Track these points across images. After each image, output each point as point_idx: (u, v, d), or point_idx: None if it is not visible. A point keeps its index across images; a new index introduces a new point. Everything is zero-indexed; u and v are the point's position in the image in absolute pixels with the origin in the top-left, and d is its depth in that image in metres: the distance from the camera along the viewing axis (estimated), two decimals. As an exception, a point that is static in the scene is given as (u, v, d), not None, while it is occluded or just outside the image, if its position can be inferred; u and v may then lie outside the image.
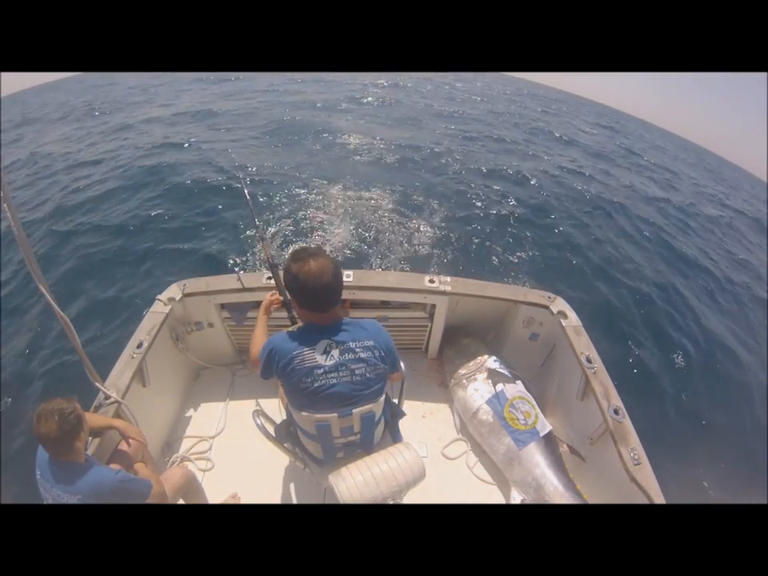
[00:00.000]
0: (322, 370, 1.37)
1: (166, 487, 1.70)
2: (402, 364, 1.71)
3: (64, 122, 13.81)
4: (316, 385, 1.38)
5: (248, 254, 5.37)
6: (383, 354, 1.45)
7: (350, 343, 1.40)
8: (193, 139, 9.76)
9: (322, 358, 1.37)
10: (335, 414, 1.43)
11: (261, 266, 5.05)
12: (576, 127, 19.12)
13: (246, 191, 2.45)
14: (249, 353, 1.63)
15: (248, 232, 5.80)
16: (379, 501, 1.47)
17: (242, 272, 2.56)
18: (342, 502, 1.45)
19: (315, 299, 1.36)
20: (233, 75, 21.86)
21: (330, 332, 1.40)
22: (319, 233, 5.93)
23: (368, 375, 1.42)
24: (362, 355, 1.40)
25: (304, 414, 1.45)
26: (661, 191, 11.53)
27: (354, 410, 1.45)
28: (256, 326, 1.71)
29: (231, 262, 5.16)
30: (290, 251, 1.44)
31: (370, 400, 1.47)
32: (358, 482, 1.47)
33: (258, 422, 1.69)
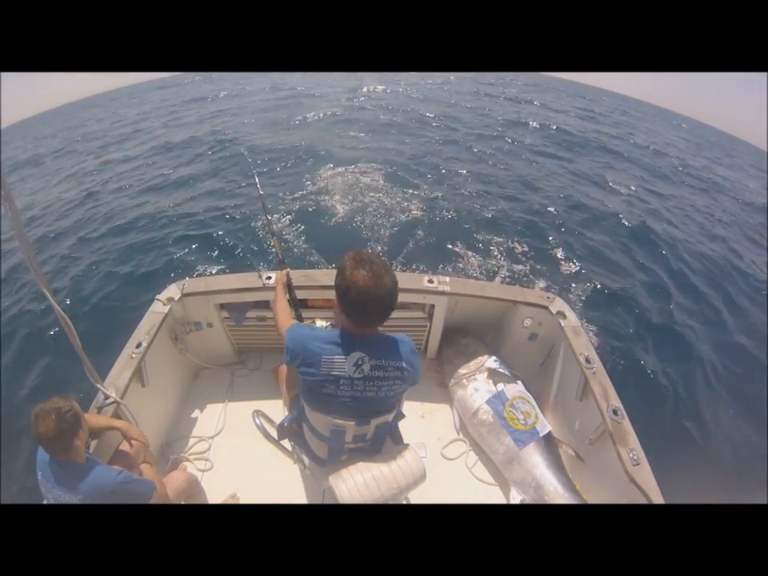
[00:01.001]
0: (349, 381, 1.33)
1: (168, 490, 1.69)
2: None
3: (58, 155, 13.70)
4: (339, 393, 1.35)
5: (255, 252, 5.52)
6: (409, 376, 1.43)
7: (383, 361, 1.35)
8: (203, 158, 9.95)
9: (351, 370, 1.32)
10: (353, 422, 1.43)
11: (268, 264, 5.10)
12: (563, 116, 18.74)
13: (258, 185, 2.27)
14: (276, 325, 1.62)
15: (257, 223, 6.07)
16: (380, 503, 1.47)
17: (240, 272, 2.55)
18: (341, 503, 1.45)
19: (361, 313, 1.28)
20: (221, 92, 21.50)
21: (365, 345, 1.33)
22: (317, 224, 6.11)
23: (391, 392, 1.42)
24: (392, 374, 1.37)
25: (321, 415, 1.44)
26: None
27: (372, 420, 1.46)
28: (276, 302, 1.74)
29: (238, 264, 5.25)
30: (351, 251, 1.28)
31: (388, 412, 1.50)
32: (358, 484, 1.47)
33: (258, 421, 1.69)
